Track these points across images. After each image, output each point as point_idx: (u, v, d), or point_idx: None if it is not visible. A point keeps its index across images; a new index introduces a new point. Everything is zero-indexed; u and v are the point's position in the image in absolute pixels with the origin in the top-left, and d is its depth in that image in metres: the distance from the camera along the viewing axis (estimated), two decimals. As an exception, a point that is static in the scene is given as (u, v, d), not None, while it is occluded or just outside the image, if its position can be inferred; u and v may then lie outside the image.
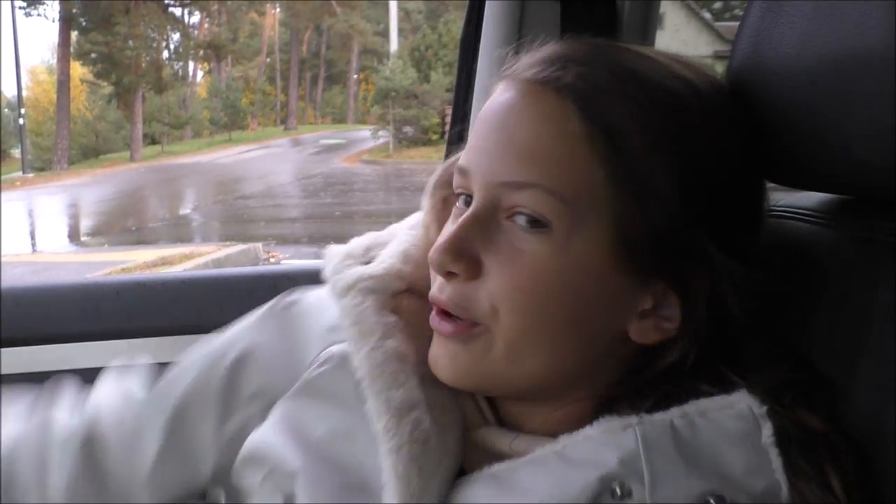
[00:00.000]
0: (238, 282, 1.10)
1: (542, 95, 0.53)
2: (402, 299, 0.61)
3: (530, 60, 0.56)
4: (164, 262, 6.39)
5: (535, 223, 0.52)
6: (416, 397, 0.56)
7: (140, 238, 9.04)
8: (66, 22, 20.93)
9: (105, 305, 1.03)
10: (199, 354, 0.67)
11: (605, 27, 1.06)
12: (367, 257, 0.63)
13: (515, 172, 0.52)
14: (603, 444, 0.51)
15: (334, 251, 0.63)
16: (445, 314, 0.54)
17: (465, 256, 0.53)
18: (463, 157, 0.56)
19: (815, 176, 0.62)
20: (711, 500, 0.48)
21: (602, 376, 0.55)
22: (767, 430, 0.50)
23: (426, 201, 0.65)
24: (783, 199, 0.69)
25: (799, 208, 0.66)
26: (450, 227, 0.55)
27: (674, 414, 0.51)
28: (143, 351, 1.03)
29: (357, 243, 0.65)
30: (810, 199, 0.66)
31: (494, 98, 0.57)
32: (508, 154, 0.53)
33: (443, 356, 0.55)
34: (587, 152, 0.51)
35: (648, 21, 1.11)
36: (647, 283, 0.53)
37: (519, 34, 1.04)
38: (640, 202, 0.51)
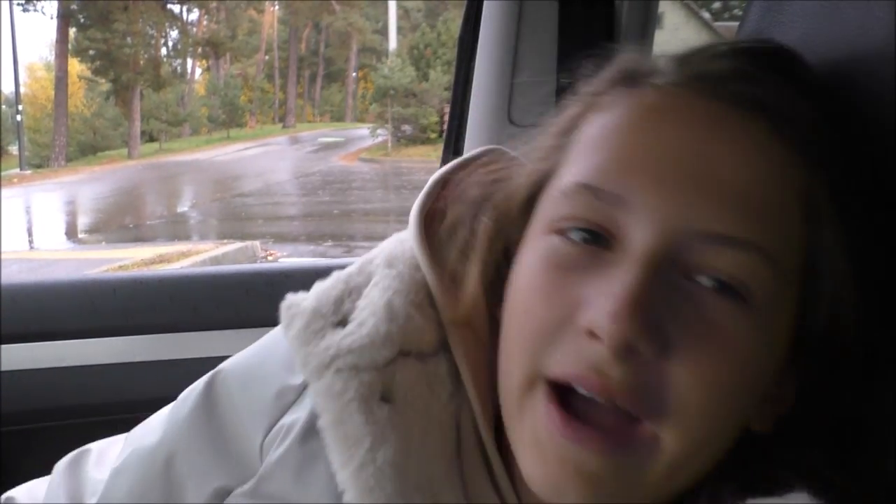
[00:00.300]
0: (235, 279, 1.10)
1: (755, 124, 0.42)
2: (395, 371, 0.46)
3: (718, 66, 0.45)
4: (162, 259, 6.39)
5: (729, 290, 0.40)
6: None
7: (138, 235, 9.04)
8: (65, 18, 20.91)
9: (102, 302, 1.03)
10: (130, 460, 0.55)
11: (604, 27, 1.06)
12: (339, 314, 0.48)
13: (725, 223, 0.40)
14: None
15: (296, 308, 0.48)
16: (585, 422, 0.40)
17: (653, 327, 0.39)
18: (604, 176, 0.42)
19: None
20: None
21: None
22: None
23: (463, 231, 0.50)
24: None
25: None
26: (618, 283, 0.39)
27: None
28: (141, 348, 1.04)
29: (325, 294, 0.49)
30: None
31: (657, 109, 0.44)
32: (712, 195, 0.40)
33: (579, 475, 0.40)
34: (800, 211, 0.42)
35: (647, 21, 1.11)
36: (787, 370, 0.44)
37: (517, 34, 1.04)
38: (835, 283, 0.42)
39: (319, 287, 0.49)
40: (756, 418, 0.44)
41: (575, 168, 0.45)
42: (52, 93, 20.34)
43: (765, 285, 0.40)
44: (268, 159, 17.42)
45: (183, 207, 11.78)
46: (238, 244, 7.15)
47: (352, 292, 0.49)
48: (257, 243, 7.26)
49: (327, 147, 20.28)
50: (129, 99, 22.01)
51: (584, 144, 0.46)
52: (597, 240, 0.42)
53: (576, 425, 0.40)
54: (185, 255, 6.58)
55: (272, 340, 0.52)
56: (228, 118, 25.00)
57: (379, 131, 18.95)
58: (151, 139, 23.91)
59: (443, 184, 0.53)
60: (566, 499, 0.40)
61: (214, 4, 26.84)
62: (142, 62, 23.21)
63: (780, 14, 0.58)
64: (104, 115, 24.02)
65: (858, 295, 0.43)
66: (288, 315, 0.47)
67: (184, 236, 8.82)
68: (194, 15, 27.60)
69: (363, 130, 21.47)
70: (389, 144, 17.65)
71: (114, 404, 0.98)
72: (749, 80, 0.43)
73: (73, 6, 21.76)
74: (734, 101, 0.43)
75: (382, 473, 0.43)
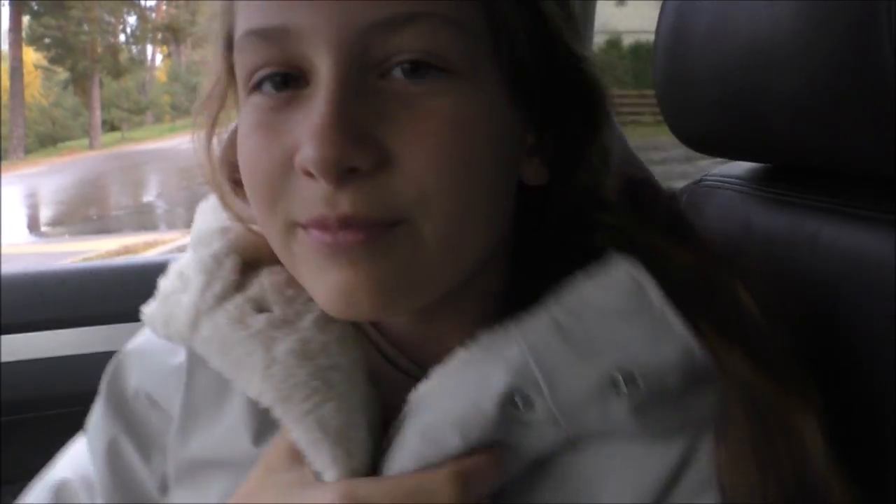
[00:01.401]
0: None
1: None
2: (252, 285, 0.49)
3: None
4: (127, 250, 6.29)
5: (427, 68, 0.40)
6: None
7: (102, 227, 8.88)
8: (17, 6, 20.29)
9: (50, 294, 1.02)
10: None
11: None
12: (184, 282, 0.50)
13: (391, 4, 0.38)
14: (490, 362, 0.42)
15: (151, 315, 0.51)
16: (344, 227, 0.40)
17: (360, 138, 0.39)
18: (264, 12, 0.41)
19: (740, 146, 0.64)
20: (619, 376, 0.40)
21: (499, 247, 0.47)
22: (655, 293, 0.42)
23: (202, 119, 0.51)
24: (715, 170, 0.72)
25: (727, 177, 0.68)
26: (315, 114, 0.39)
27: (555, 312, 0.43)
28: (95, 339, 1.03)
29: (167, 281, 0.51)
30: (739, 168, 0.69)
31: None
32: None
33: (357, 283, 0.40)
34: None
35: None
36: (531, 117, 0.45)
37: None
38: (526, 14, 0.43)
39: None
40: (529, 174, 0.46)
41: (241, 16, 0.43)
42: (7, 83, 19.80)
43: (459, 47, 0.40)
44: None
45: (149, 197, 11.58)
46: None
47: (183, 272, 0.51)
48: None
49: (294, 131, 20.01)
50: (89, 88, 21.49)
51: None
52: (290, 82, 0.41)
53: (350, 236, 0.40)
54: (151, 245, 6.48)
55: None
56: (192, 105, 24.53)
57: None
58: (113, 128, 23.40)
59: None
60: (357, 302, 0.41)
61: (172, -12, 26.23)
62: (100, 49, 22.65)
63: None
64: (63, 104, 23.44)
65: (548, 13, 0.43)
66: (150, 321, 0.51)
67: (151, 226, 8.69)
68: (152, 0, 26.96)
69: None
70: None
71: (68, 396, 0.98)
72: None
73: (26, -7, 21.12)
74: None
75: (288, 365, 0.44)
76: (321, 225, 0.40)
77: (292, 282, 0.47)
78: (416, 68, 0.39)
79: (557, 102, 0.45)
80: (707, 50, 0.59)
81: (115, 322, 1.02)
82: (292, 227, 0.42)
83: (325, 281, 0.42)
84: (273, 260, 0.47)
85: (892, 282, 0.48)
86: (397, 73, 0.40)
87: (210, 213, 0.53)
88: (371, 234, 0.40)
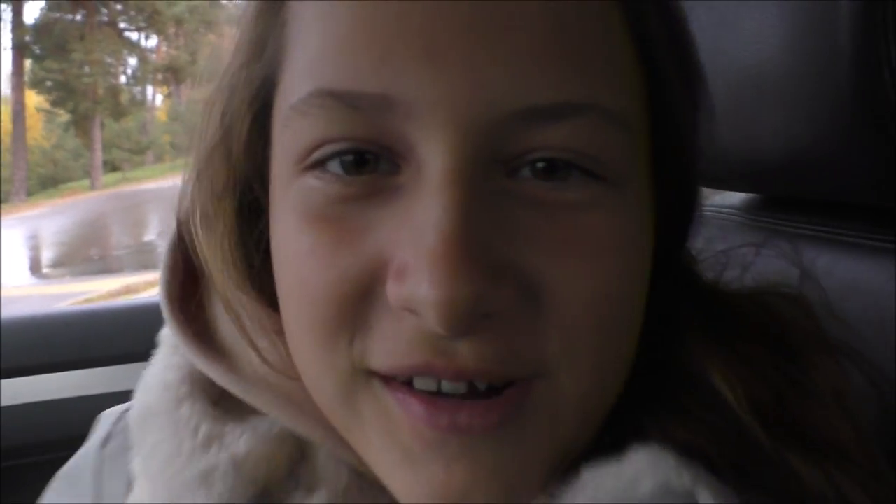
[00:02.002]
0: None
1: None
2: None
3: None
4: (129, 290, 6.30)
5: (568, 169, 0.29)
6: None
7: (104, 267, 8.90)
8: (19, 50, 20.58)
9: (55, 337, 1.03)
10: None
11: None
12: None
13: (540, 88, 0.27)
14: None
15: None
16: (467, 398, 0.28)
17: (506, 270, 0.28)
18: (352, 70, 0.28)
19: (733, 176, 0.65)
20: None
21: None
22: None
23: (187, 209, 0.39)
24: (710, 200, 0.73)
25: (722, 207, 0.69)
26: (427, 228, 0.27)
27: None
28: (99, 380, 1.04)
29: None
30: (733, 198, 0.70)
31: None
32: (510, 52, 0.27)
33: (474, 482, 0.28)
34: (630, 44, 0.31)
35: None
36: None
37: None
38: (674, 115, 0.34)
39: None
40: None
41: (303, 65, 0.30)
42: (10, 127, 19.98)
43: (613, 149, 0.29)
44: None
45: (150, 236, 11.61)
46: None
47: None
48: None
49: (294, 168, 20.17)
50: (90, 129, 21.70)
51: (302, 24, 0.31)
52: (367, 164, 0.29)
53: (444, 407, 0.28)
54: (152, 284, 6.49)
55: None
56: (192, 144, 24.73)
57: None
58: (114, 168, 23.59)
59: None
60: (474, 499, 0.29)
61: (173, 30, 26.65)
62: (101, 91, 22.92)
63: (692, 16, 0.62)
64: (64, 146, 23.67)
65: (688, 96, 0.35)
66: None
67: (152, 265, 8.68)
68: (153, 41, 27.36)
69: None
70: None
71: (68, 440, 0.98)
72: None
73: (28, 37, 21.43)
74: None
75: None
76: (421, 369, 0.28)
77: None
78: (554, 168, 0.29)
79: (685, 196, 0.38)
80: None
81: (118, 363, 1.02)
82: (363, 375, 0.30)
83: (416, 476, 0.29)
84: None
85: (890, 309, 0.49)
86: (526, 171, 0.29)
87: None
88: (508, 403, 0.28)
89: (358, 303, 0.29)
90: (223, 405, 0.37)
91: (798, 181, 0.56)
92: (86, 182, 21.10)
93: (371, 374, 0.30)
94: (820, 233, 0.56)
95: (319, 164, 0.30)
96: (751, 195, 0.68)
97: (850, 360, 0.36)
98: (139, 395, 0.39)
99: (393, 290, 0.28)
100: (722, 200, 0.70)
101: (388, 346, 0.29)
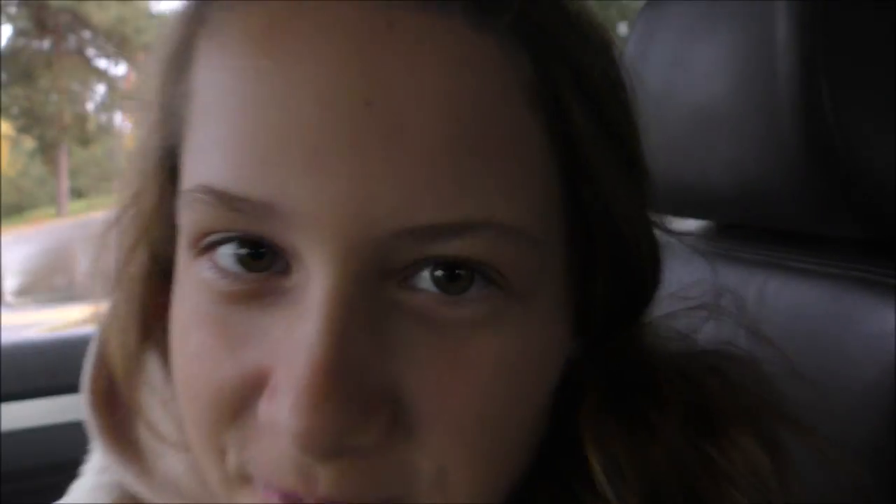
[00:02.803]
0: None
1: (442, 22, 0.26)
2: None
3: None
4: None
5: (470, 278, 0.27)
6: None
7: (69, 295, 8.73)
8: (-15, 77, 20.31)
9: (27, 365, 1.02)
10: None
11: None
12: None
13: (432, 205, 0.25)
14: None
15: None
16: None
17: (377, 401, 0.26)
18: (237, 170, 0.26)
19: (688, 205, 0.68)
20: None
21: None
22: None
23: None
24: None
25: (681, 234, 0.72)
26: (300, 350, 0.26)
27: None
28: (68, 408, 1.03)
29: None
30: (688, 225, 0.73)
31: (280, 30, 0.26)
32: (400, 164, 0.25)
33: None
34: (544, 137, 0.28)
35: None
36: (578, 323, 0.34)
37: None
38: (604, 221, 0.31)
39: None
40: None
41: (195, 151, 0.29)
42: (-26, 153, 19.59)
43: (519, 262, 0.27)
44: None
45: (116, 264, 11.44)
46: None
47: None
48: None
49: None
50: (56, 156, 21.41)
51: (198, 103, 0.29)
52: (265, 257, 0.27)
53: None
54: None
55: None
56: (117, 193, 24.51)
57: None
58: (80, 196, 23.25)
59: None
60: None
61: (142, 57, 26.41)
62: (68, 118, 22.68)
63: (653, 41, 0.65)
64: (30, 173, 23.29)
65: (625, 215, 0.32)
66: None
67: (118, 293, 8.56)
68: (122, 69, 27.16)
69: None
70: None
71: (40, 468, 0.97)
72: None
73: (-6, 64, 21.17)
74: None
75: None
76: (283, 486, 0.27)
77: None
78: (453, 277, 0.27)
79: (625, 290, 0.34)
80: (656, 115, 0.64)
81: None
82: (241, 479, 0.29)
83: None
84: None
85: (832, 330, 0.52)
86: (425, 281, 0.27)
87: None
88: None
89: (239, 410, 0.28)
90: None
91: (748, 210, 0.60)
92: (52, 209, 20.75)
93: (247, 479, 0.29)
94: (769, 259, 0.60)
95: (212, 248, 0.28)
96: (704, 223, 0.71)
97: (794, 431, 0.34)
98: None
99: (263, 409, 0.27)
100: (678, 227, 0.73)
101: (259, 458, 0.28)
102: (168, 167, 0.32)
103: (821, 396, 0.50)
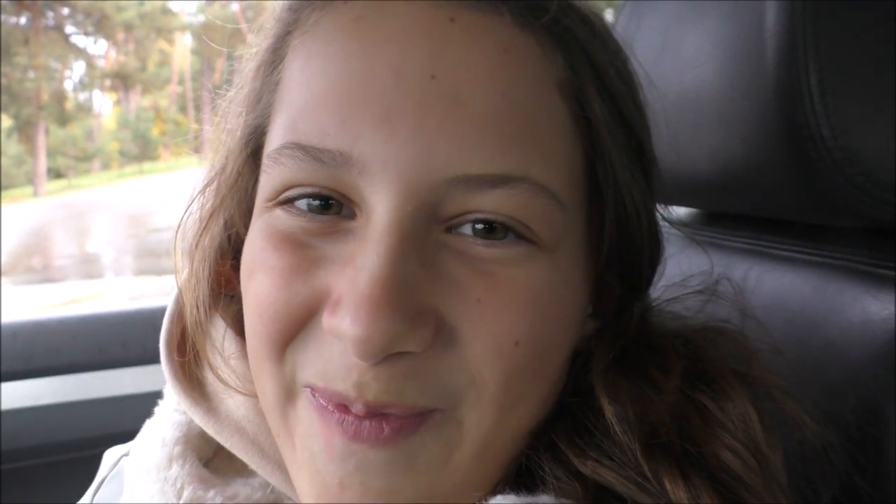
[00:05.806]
0: (141, 317, 1.09)
1: (491, 19, 0.34)
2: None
3: None
4: (73, 301, 6.13)
5: (505, 231, 0.34)
6: None
7: (46, 277, 8.63)
8: (-41, 54, 19.91)
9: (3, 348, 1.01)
10: None
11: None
12: None
13: (480, 159, 0.32)
14: None
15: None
16: (368, 417, 0.33)
17: (424, 316, 0.32)
18: (319, 128, 0.33)
19: (674, 193, 0.68)
20: None
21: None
22: None
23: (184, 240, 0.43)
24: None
25: (664, 222, 0.72)
26: (362, 270, 0.31)
27: None
28: (45, 391, 1.02)
29: None
30: (674, 213, 0.73)
31: (365, 22, 0.34)
32: (456, 126, 0.32)
33: (362, 495, 0.32)
34: (566, 110, 0.36)
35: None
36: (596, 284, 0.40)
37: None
38: (616, 190, 0.38)
39: None
40: (583, 341, 0.39)
41: (283, 120, 0.36)
42: (-52, 131, 19.26)
43: (544, 218, 0.34)
44: (185, 192, 16.93)
45: (95, 245, 11.33)
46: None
47: None
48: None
49: (246, 177, 19.87)
50: (33, 135, 21.09)
51: (289, 84, 0.36)
52: (331, 208, 0.34)
53: (374, 429, 0.32)
54: (100, 296, 6.33)
55: None
56: (141, 152, 24.27)
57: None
58: (58, 176, 22.94)
59: None
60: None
61: (122, 36, 26.10)
62: (45, 97, 22.31)
63: (639, 29, 0.65)
64: (7, 152, 22.91)
65: (633, 187, 0.39)
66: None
67: (97, 275, 8.47)
68: (101, 47, 26.77)
69: (282, 159, 21.16)
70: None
71: (20, 450, 0.96)
72: None
73: (-31, 40, 20.76)
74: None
75: None
76: (338, 394, 0.32)
77: None
78: (493, 230, 0.33)
79: (630, 267, 0.41)
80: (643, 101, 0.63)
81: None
82: (297, 389, 0.35)
83: (313, 481, 0.34)
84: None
85: (814, 317, 0.52)
86: (467, 229, 0.34)
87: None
88: (399, 430, 0.32)
89: (300, 323, 0.34)
90: (215, 464, 0.42)
91: (734, 198, 0.59)
92: (28, 189, 20.45)
93: (300, 385, 0.35)
94: (752, 246, 0.60)
95: (288, 202, 0.35)
96: (691, 210, 0.71)
97: (773, 394, 0.39)
98: (138, 446, 0.43)
99: (326, 319, 0.33)
100: (666, 215, 0.73)
101: (317, 367, 0.34)
102: (251, 148, 0.39)
103: (801, 379, 0.51)
